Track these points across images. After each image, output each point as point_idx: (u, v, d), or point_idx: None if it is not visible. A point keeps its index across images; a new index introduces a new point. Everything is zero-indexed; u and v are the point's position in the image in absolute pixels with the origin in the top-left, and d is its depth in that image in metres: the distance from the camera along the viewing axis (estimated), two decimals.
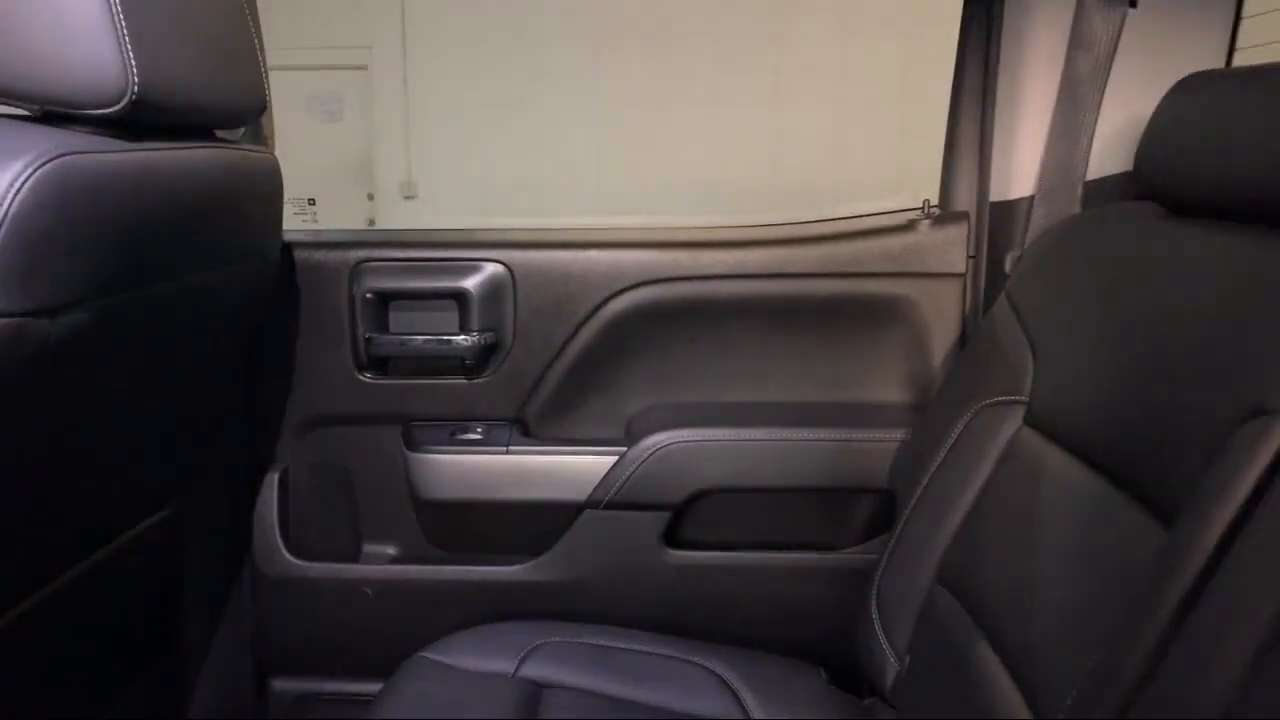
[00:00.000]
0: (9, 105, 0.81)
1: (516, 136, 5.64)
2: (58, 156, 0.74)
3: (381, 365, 1.41)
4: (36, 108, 0.81)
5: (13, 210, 0.71)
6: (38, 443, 0.84)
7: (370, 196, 6.42)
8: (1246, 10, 1.15)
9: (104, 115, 0.81)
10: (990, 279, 1.33)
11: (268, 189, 1.13)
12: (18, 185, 0.71)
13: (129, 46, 0.79)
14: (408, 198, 6.39)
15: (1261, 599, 0.60)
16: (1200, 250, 0.88)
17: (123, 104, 0.80)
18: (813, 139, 4.26)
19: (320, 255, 1.37)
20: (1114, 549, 0.82)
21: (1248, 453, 0.67)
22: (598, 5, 4.93)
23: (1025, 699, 0.87)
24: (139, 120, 0.84)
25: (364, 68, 6.21)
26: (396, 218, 6.19)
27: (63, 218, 0.75)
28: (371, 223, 6.29)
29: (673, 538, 1.38)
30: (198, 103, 0.91)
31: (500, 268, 1.38)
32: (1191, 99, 0.93)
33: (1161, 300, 0.89)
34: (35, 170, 0.72)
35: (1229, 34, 1.17)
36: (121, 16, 0.79)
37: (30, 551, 0.94)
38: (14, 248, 0.72)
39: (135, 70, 0.80)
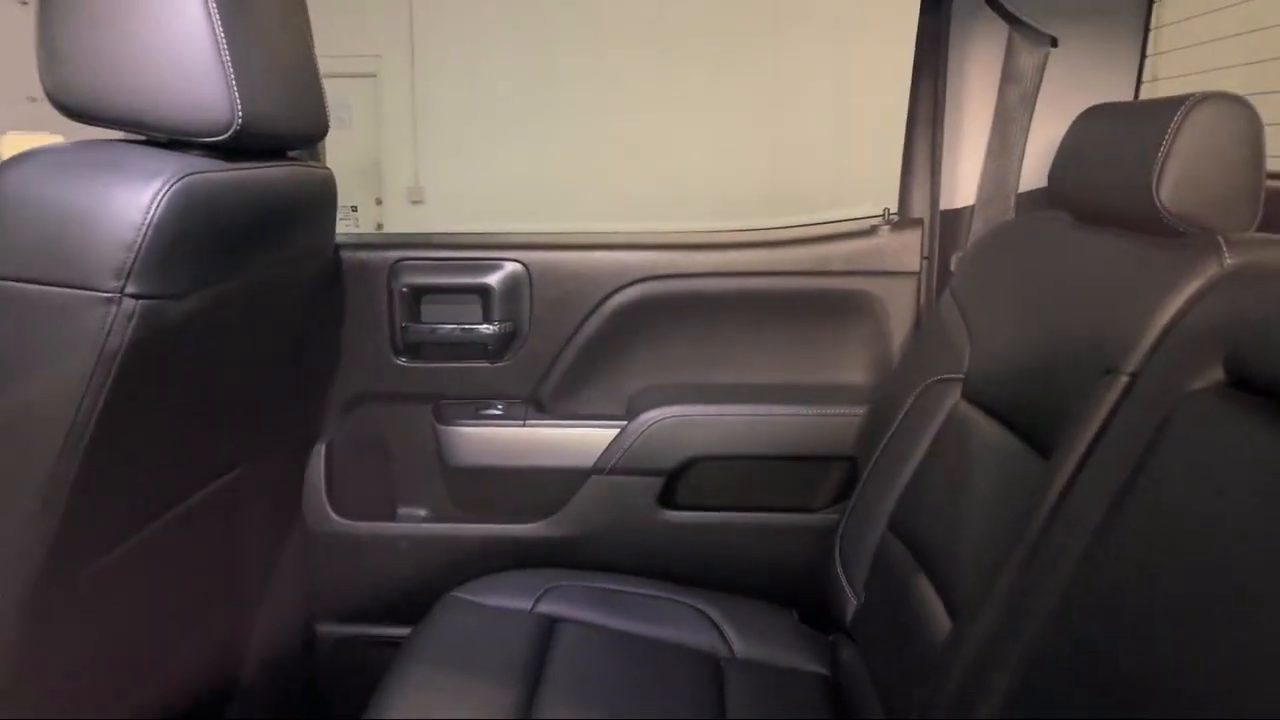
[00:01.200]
0: (144, 134, 1.02)
1: (517, 144, 5.84)
2: (185, 176, 0.96)
3: (415, 351, 1.62)
4: (164, 135, 1.02)
5: (154, 218, 0.92)
6: (153, 404, 1.05)
7: (378, 201, 6.62)
8: (1151, 49, 1.37)
9: (215, 142, 1.02)
10: (939, 276, 1.54)
11: (326, 199, 1.34)
12: (159, 199, 0.93)
13: (235, 89, 1.01)
14: (414, 202, 6.59)
15: (1094, 510, 0.81)
16: (1094, 252, 1.09)
17: (229, 133, 1.02)
18: (796, 151, 4.47)
19: (364, 255, 1.58)
20: (1014, 488, 1.04)
21: (1098, 402, 0.88)
22: (597, 18, 5.12)
23: (950, 617, 1.08)
24: (238, 146, 1.05)
25: (373, 75, 6.40)
26: (402, 222, 6.39)
27: (186, 223, 0.96)
28: (379, 226, 6.48)
29: (666, 499, 1.59)
30: (281, 130, 1.12)
31: (518, 266, 1.59)
32: (1090, 127, 1.15)
33: (1059, 291, 1.10)
34: (170, 186, 0.94)
35: (1137, 69, 1.39)
36: (230, 65, 1.00)
37: (135, 495, 1.15)
38: (155, 246, 0.93)
39: (240, 107, 1.01)
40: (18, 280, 0.90)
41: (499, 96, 5.91)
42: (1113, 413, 0.86)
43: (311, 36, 1.26)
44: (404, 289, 1.59)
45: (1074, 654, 0.76)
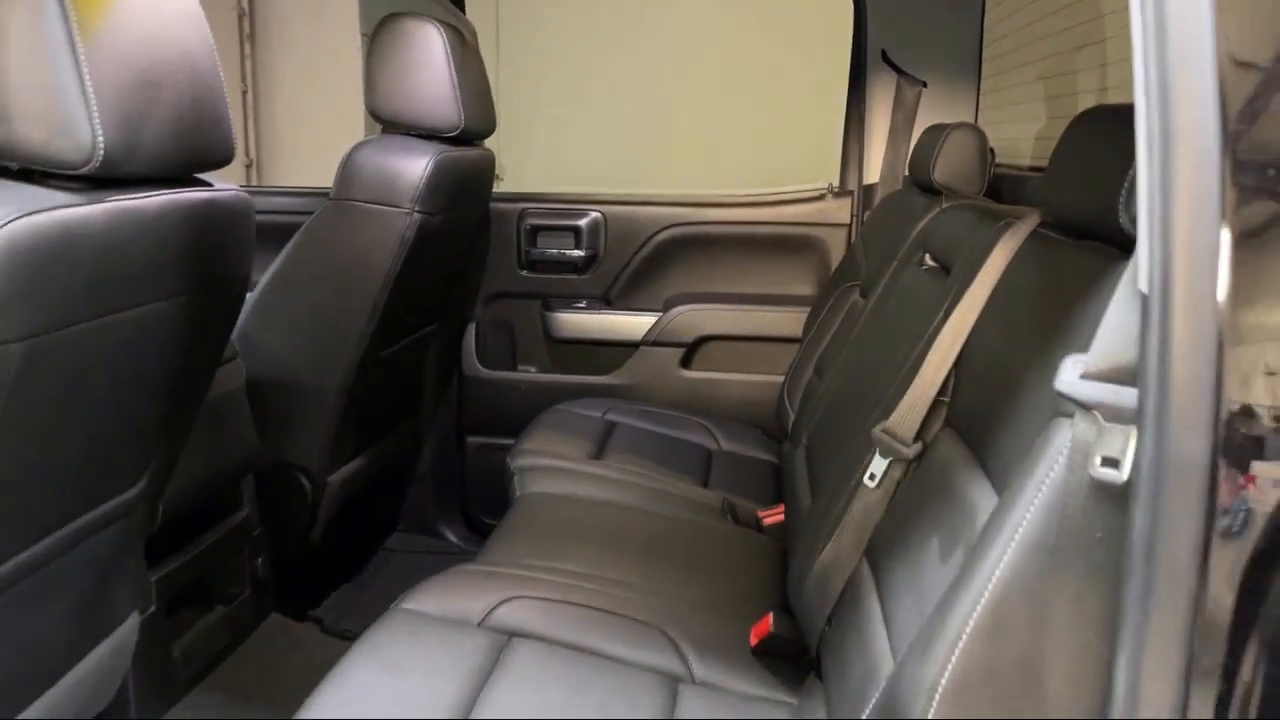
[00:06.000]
0: (416, 131, 1.98)
1: (580, 127, 6.67)
2: (440, 154, 1.91)
3: (532, 266, 2.58)
4: (425, 133, 1.98)
5: (428, 172, 1.88)
6: (417, 269, 2.00)
7: None
8: (983, 90, 2.27)
9: (448, 137, 1.97)
10: (859, 227, 2.46)
11: (491, 171, 2.30)
12: (429, 164, 1.88)
13: (461, 106, 1.96)
14: (495, 177, 7.55)
15: (862, 324, 1.74)
16: (917, 206, 2.00)
17: (457, 132, 1.97)
18: (784, 136, 5.19)
19: (503, 205, 2.54)
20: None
21: (885, 274, 1.81)
22: (656, 20, 5.82)
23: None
24: (458, 139, 2.00)
25: None
26: None
27: (441, 177, 1.92)
28: None
29: (685, 363, 2.54)
30: (477, 129, 2.07)
31: (598, 214, 2.54)
32: (924, 137, 2.06)
33: (900, 228, 2.01)
34: (435, 158, 1.90)
35: (975, 102, 2.29)
36: (459, 93, 1.95)
37: (403, 319, 2.10)
38: (427, 187, 1.88)
39: (463, 116, 1.96)
40: (363, 201, 1.87)
41: (566, 88, 6.78)
42: (888, 279, 1.79)
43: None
44: (527, 227, 2.55)
45: (835, 395, 1.68)
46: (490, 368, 2.60)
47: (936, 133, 1.94)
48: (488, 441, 2.62)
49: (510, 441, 2.52)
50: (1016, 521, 0.77)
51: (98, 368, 1.10)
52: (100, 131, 0.96)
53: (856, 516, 1.29)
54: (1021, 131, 2.27)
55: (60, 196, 0.97)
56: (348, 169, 1.88)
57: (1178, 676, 0.61)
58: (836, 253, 2.50)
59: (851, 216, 2.49)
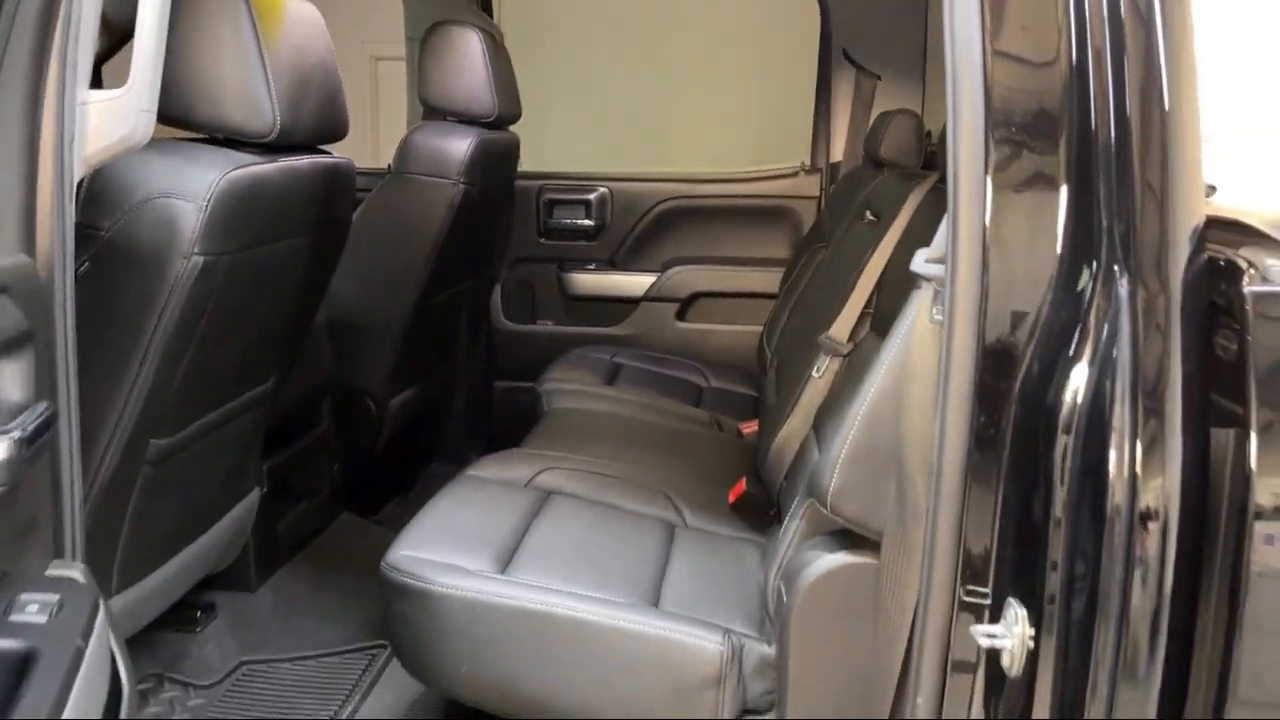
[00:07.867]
0: (457, 118, 2.42)
1: (579, 116, 7.03)
2: (480, 137, 2.35)
3: (550, 234, 3.02)
4: (466, 119, 2.41)
5: (469, 152, 2.32)
6: (462, 233, 2.44)
7: None
8: (929, 81, 2.71)
9: (485, 122, 2.41)
10: (826, 199, 2.91)
11: (516, 152, 2.74)
12: (470, 145, 2.32)
13: (496, 97, 2.40)
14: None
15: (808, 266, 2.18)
16: (867, 178, 2.44)
17: (493, 118, 2.41)
18: (764, 122, 5.57)
19: (524, 182, 2.98)
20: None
21: (844, 234, 2.25)
22: (656, 18, 6.21)
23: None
24: (493, 124, 2.44)
25: None
26: None
27: (479, 156, 2.35)
28: None
29: (680, 316, 2.98)
30: (507, 115, 2.51)
31: (605, 189, 2.98)
32: (877, 122, 2.50)
33: (856, 198, 2.46)
34: (475, 141, 2.34)
35: (921, 93, 2.73)
36: (494, 84, 2.39)
37: (455, 268, 2.54)
38: (469, 162, 2.32)
39: (497, 104, 2.40)
40: (418, 174, 2.31)
41: (574, 84, 7.15)
42: (840, 233, 2.23)
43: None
44: (546, 200, 2.99)
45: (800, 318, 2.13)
46: (514, 321, 3.04)
47: (884, 118, 2.39)
48: (512, 385, 3.05)
49: (531, 384, 2.97)
50: (887, 354, 1.22)
51: (261, 282, 1.55)
52: (278, 112, 1.40)
53: (806, 400, 1.74)
54: None
55: (250, 158, 1.41)
56: (406, 148, 2.32)
57: (966, 428, 1.05)
58: (808, 220, 2.95)
59: (820, 190, 2.93)
